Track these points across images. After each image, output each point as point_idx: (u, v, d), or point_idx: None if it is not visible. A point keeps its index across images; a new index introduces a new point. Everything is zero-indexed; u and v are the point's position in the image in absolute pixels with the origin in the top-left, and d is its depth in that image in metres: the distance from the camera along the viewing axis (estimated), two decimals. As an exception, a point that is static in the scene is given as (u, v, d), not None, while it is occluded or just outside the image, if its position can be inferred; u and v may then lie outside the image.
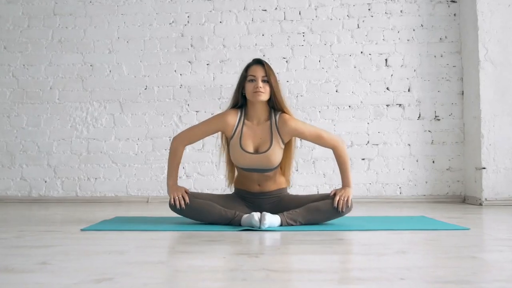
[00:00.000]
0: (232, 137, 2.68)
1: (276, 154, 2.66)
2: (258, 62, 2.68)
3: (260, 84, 2.60)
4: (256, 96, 2.61)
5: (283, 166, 2.78)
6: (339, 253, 1.93)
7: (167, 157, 2.80)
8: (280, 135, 2.67)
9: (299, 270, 1.58)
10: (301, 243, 2.14)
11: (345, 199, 2.61)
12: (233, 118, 2.69)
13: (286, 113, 2.70)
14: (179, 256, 1.84)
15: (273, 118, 2.70)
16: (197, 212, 2.64)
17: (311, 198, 2.72)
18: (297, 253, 1.90)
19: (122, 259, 1.71)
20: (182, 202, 2.62)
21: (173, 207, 2.67)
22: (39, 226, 2.72)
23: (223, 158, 2.85)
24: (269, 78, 2.63)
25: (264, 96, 2.62)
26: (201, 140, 4.56)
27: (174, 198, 2.63)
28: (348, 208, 2.64)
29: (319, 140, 2.71)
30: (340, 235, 2.34)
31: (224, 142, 2.80)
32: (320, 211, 2.60)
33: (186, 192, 2.67)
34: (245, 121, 2.70)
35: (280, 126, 2.67)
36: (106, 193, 4.64)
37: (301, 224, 2.59)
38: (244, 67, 2.73)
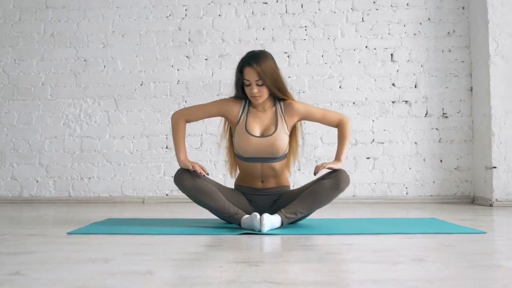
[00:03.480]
0: (237, 123, 2.60)
1: (281, 139, 2.56)
2: (249, 64, 2.50)
3: (255, 89, 2.52)
4: (254, 100, 2.57)
5: (288, 157, 2.67)
6: (349, 261, 1.74)
7: (171, 132, 2.70)
8: (285, 120, 2.61)
9: (305, 282, 1.39)
10: (305, 249, 1.96)
11: (324, 165, 2.50)
12: (238, 106, 2.63)
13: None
14: (170, 264, 1.65)
15: (278, 104, 2.65)
16: (203, 195, 2.47)
17: (306, 187, 2.61)
18: (301, 261, 1.71)
19: (105, 268, 1.53)
20: (202, 171, 2.47)
21: (180, 181, 2.48)
22: (25, 228, 2.54)
23: (224, 144, 2.76)
24: (264, 80, 2.50)
25: (262, 98, 2.56)
26: (200, 139, 4.41)
27: (194, 167, 2.45)
28: (345, 182, 2.48)
29: (326, 116, 2.66)
30: (347, 239, 2.16)
31: (226, 128, 2.72)
32: (316, 194, 2.48)
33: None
34: (250, 108, 2.63)
35: (286, 111, 2.62)
36: (100, 193, 4.45)
37: (303, 214, 2.49)
38: (238, 64, 2.57)
